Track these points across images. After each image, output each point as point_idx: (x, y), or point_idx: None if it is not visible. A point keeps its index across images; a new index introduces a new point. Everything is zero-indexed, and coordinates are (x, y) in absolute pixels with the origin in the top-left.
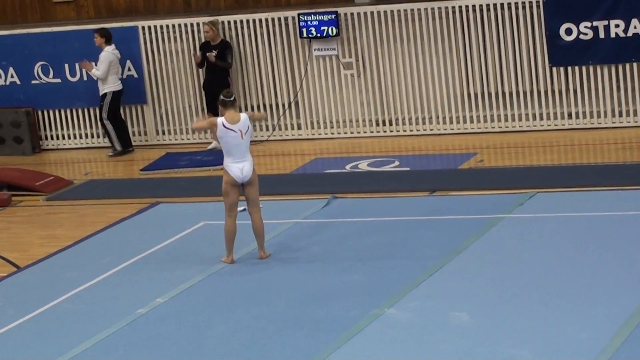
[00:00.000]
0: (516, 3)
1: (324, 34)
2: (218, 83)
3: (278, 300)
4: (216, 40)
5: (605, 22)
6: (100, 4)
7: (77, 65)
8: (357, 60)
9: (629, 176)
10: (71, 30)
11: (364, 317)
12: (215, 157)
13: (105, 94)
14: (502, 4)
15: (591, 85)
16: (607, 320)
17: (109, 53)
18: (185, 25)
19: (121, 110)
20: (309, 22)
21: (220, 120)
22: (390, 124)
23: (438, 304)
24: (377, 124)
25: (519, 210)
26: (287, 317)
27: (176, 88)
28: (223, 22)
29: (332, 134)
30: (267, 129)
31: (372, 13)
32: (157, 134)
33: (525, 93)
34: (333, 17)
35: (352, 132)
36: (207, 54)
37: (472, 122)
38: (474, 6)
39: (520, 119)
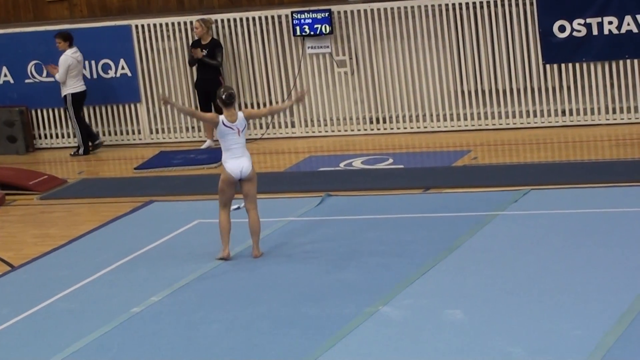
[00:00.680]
0: (509, 0)
1: (318, 32)
2: (210, 82)
3: (272, 298)
4: (206, 39)
5: (599, 19)
6: (93, 3)
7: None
8: (350, 58)
9: (623, 173)
10: (65, 29)
11: (358, 315)
12: (209, 155)
13: (65, 97)
14: (495, 2)
15: (585, 82)
16: (601, 317)
17: (68, 57)
18: (179, 23)
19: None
20: (302, 20)
21: (221, 118)
22: (384, 122)
23: (432, 301)
24: (371, 122)
25: (513, 207)
26: (281, 316)
27: (170, 86)
28: (216, 21)
29: (326, 131)
30: (261, 127)
31: (365, 11)
32: (151, 132)
33: (518, 90)
34: (326, 15)
35: (345, 130)
36: (192, 49)
37: (465, 119)
38: (467, 4)
39: (514, 117)
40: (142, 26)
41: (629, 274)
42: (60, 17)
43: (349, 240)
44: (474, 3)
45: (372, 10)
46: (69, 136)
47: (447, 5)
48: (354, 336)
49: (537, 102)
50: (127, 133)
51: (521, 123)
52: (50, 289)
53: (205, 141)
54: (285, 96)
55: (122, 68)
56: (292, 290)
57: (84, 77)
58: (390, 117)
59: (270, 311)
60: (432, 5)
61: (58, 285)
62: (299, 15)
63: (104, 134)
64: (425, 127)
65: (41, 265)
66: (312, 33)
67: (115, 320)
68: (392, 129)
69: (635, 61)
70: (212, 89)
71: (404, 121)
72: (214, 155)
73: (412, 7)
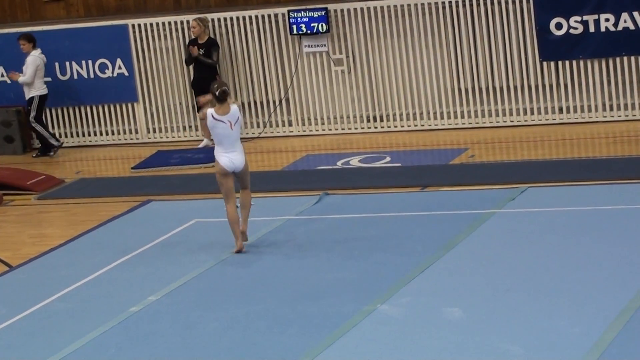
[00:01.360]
0: None
1: (314, 31)
2: (207, 81)
3: (270, 297)
4: (203, 38)
5: (595, 16)
6: (90, 3)
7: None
8: (347, 57)
9: (620, 170)
10: (61, 29)
11: (357, 313)
12: (207, 154)
13: (32, 98)
14: None
15: (582, 80)
16: (599, 315)
17: (35, 57)
18: (175, 23)
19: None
20: (299, 19)
21: (210, 111)
22: (381, 120)
23: (430, 299)
24: (368, 120)
25: (510, 205)
26: (279, 314)
27: (167, 86)
28: (213, 20)
29: (323, 130)
30: (258, 126)
31: (362, 9)
32: (148, 131)
33: (515, 88)
34: (323, 14)
35: (343, 129)
36: (190, 47)
37: (462, 117)
38: (463, 1)
39: (511, 114)
40: (139, 26)
41: (627, 272)
42: (56, 16)
43: (346, 239)
44: (471, 1)
45: (368, 8)
46: (66, 136)
47: (443, 2)
48: (353, 334)
49: (534, 99)
50: (125, 132)
51: (518, 121)
52: (48, 288)
53: (202, 140)
54: (282, 95)
55: (119, 68)
56: (290, 289)
57: (81, 76)
58: (388, 115)
59: (268, 310)
60: (429, 3)
61: (56, 285)
62: (295, 13)
63: (101, 134)
64: (423, 125)
65: (39, 265)
66: (308, 32)
67: (114, 319)
68: (389, 127)
69: (632, 58)
70: (208, 88)
71: (401, 119)
72: (212, 154)
73: (409, 5)
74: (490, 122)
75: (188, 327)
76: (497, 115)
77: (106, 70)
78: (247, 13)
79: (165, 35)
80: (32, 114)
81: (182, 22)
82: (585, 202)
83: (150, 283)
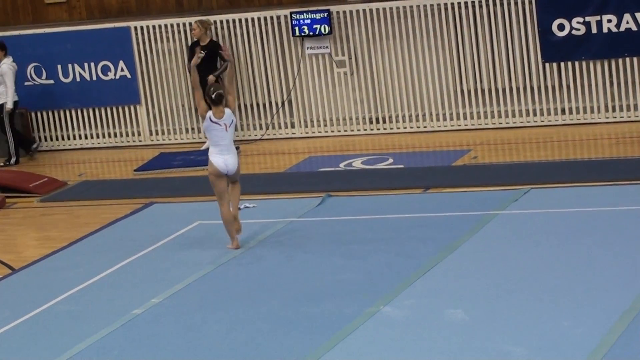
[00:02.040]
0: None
1: (317, 32)
2: (207, 84)
3: (272, 299)
4: (204, 40)
5: (598, 17)
6: (92, 5)
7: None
8: (350, 58)
9: (624, 171)
10: (63, 32)
11: (359, 315)
12: None
13: (3, 105)
14: (494, 0)
15: (584, 81)
16: (602, 316)
17: (9, 65)
18: (178, 25)
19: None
20: (301, 21)
21: (209, 114)
22: (384, 122)
23: (433, 301)
24: (371, 122)
25: (513, 206)
26: (281, 316)
27: (169, 88)
28: (215, 22)
29: (326, 132)
30: (261, 128)
31: (364, 11)
32: (151, 134)
33: (518, 89)
34: (325, 16)
35: (345, 130)
36: (198, 49)
37: (465, 118)
38: (466, 3)
39: (513, 115)
40: (141, 28)
41: (630, 273)
42: (59, 19)
43: (349, 240)
44: (473, 2)
45: (371, 10)
46: (69, 138)
47: (446, 4)
48: (355, 336)
49: (536, 100)
50: (127, 135)
51: (521, 122)
52: (51, 291)
53: (205, 142)
54: (285, 97)
55: (122, 70)
56: (293, 291)
57: (83, 78)
58: (390, 117)
59: (271, 311)
60: (431, 5)
61: (59, 288)
62: (298, 15)
63: (103, 136)
64: (425, 127)
65: (42, 267)
66: (311, 33)
67: (117, 322)
68: (391, 128)
69: (635, 59)
70: None
71: (404, 121)
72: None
73: (411, 7)
74: (493, 124)
75: (191, 329)
76: (500, 116)
77: (108, 73)
78: (249, 15)
79: (167, 38)
80: (6, 121)
81: (184, 24)
82: (588, 203)
83: (153, 285)
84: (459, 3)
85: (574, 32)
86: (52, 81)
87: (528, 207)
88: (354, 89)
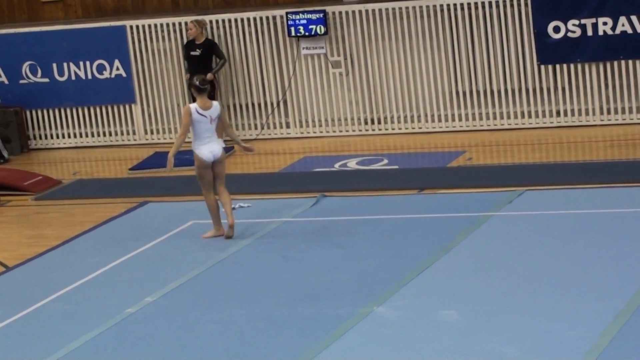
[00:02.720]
0: (504, 1)
1: (312, 33)
2: None
3: (266, 299)
4: (200, 39)
5: (593, 20)
6: (88, 4)
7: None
8: (345, 59)
9: (618, 174)
10: (59, 30)
11: (353, 315)
12: None
13: None
14: (490, 2)
15: (579, 83)
16: (596, 318)
17: None
18: (174, 24)
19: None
20: (297, 21)
21: (193, 106)
22: (379, 122)
23: (427, 302)
24: (366, 122)
25: (508, 208)
26: (275, 316)
27: (164, 87)
28: (211, 21)
29: (321, 132)
30: (256, 128)
31: (360, 11)
32: (146, 133)
33: (513, 91)
34: (321, 16)
35: (340, 131)
36: (208, 75)
37: (460, 120)
38: (462, 4)
39: (508, 117)
40: (137, 27)
41: (624, 275)
42: (54, 17)
43: (343, 241)
44: (469, 4)
45: (366, 10)
46: (63, 137)
47: (441, 5)
48: (350, 336)
49: (531, 102)
50: (122, 134)
51: (516, 124)
52: (45, 289)
53: None
54: (280, 97)
55: (117, 69)
56: (287, 290)
57: (78, 76)
58: (385, 118)
59: (265, 311)
60: (427, 6)
61: (53, 286)
62: (293, 15)
63: (98, 135)
64: (420, 128)
65: (36, 266)
66: (306, 34)
67: (110, 321)
68: (386, 129)
69: (630, 62)
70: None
71: (399, 122)
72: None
73: (407, 8)
74: (488, 125)
75: (185, 328)
76: (495, 118)
77: (104, 72)
78: (245, 15)
79: (163, 37)
80: None
81: (180, 24)
82: (582, 206)
83: (147, 284)
84: (454, 4)
85: (569, 34)
86: (47, 79)
87: (522, 209)
88: (349, 89)
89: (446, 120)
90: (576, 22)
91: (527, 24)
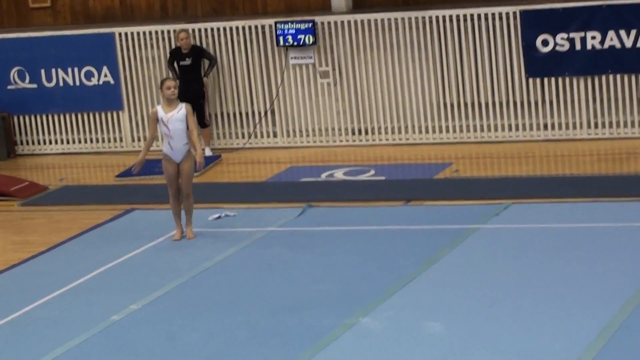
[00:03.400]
0: (493, 14)
1: (301, 43)
2: (193, 93)
3: (251, 308)
4: (187, 47)
5: (582, 34)
6: (77, 10)
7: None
8: (333, 69)
9: (604, 188)
10: (48, 36)
11: (338, 326)
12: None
13: None
14: (479, 15)
15: (567, 97)
16: (581, 331)
17: None
18: (162, 32)
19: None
20: (285, 31)
21: (158, 109)
22: (366, 133)
23: (412, 313)
24: (353, 133)
25: (494, 220)
26: (260, 326)
27: (152, 95)
28: (200, 30)
29: (308, 142)
30: (243, 137)
31: (349, 22)
32: (133, 140)
33: (501, 104)
34: (310, 26)
35: (328, 141)
36: (204, 79)
37: (447, 132)
38: (450, 16)
39: (496, 130)
40: (126, 34)
41: (609, 289)
42: (43, 23)
43: (329, 251)
44: (458, 16)
45: (355, 21)
46: (50, 143)
47: (430, 17)
48: (334, 347)
49: (519, 115)
50: (109, 141)
51: (503, 136)
52: (30, 296)
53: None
54: (268, 106)
55: (105, 76)
56: (272, 300)
57: (66, 83)
58: (373, 129)
59: (249, 321)
60: (416, 18)
61: (37, 292)
62: (282, 25)
63: (85, 142)
64: (407, 139)
65: (20, 272)
66: (295, 43)
67: (95, 328)
68: (374, 140)
69: (618, 76)
70: (196, 101)
71: (386, 133)
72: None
73: (396, 19)
74: (475, 137)
75: (169, 336)
76: (482, 130)
77: (92, 78)
78: (234, 24)
79: (151, 44)
80: None
81: (168, 32)
82: (568, 220)
83: (132, 292)
84: (443, 16)
85: (558, 48)
86: (35, 85)
87: (509, 222)
88: (337, 99)
89: (433, 131)
90: (565, 35)
91: (515, 37)
